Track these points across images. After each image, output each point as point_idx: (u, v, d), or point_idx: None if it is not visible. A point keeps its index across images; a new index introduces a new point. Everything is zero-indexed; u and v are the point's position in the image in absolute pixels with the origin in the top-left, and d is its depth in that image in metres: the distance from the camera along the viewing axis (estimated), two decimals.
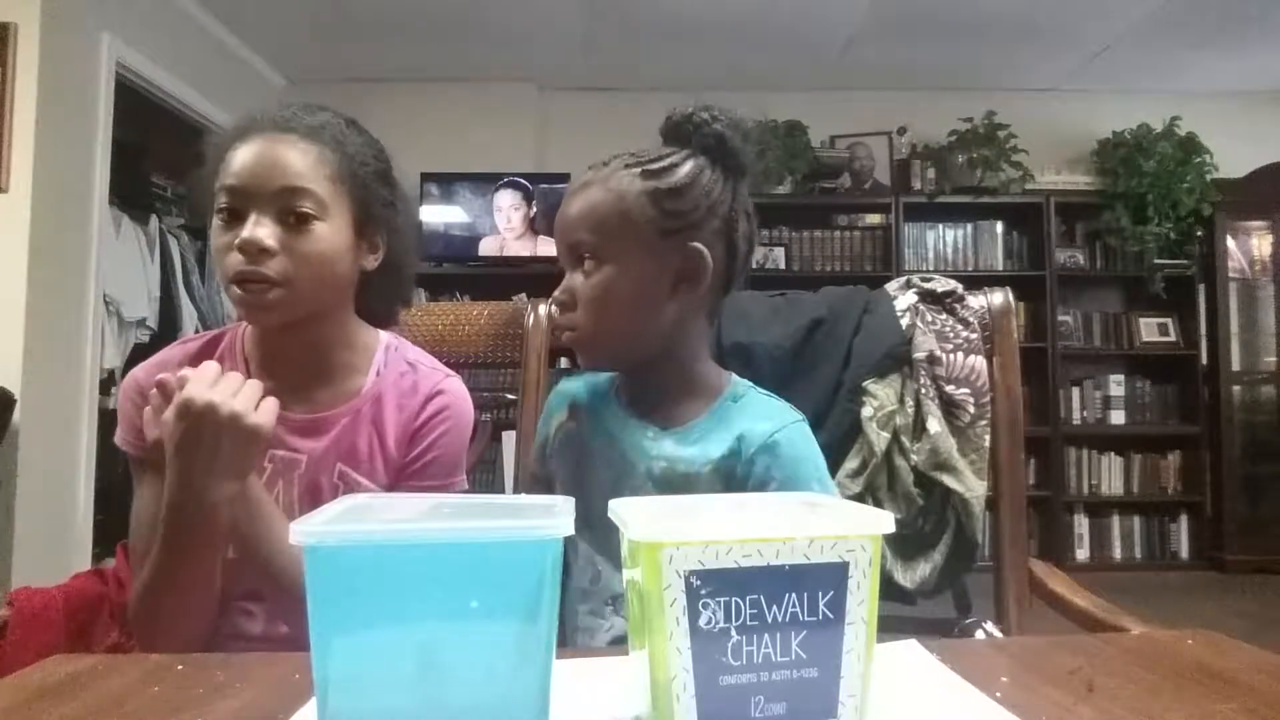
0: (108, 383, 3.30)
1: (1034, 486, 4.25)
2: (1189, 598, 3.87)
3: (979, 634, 1.09)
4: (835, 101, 4.66)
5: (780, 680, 0.44)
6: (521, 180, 4.44)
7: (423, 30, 4.08)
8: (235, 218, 0.85)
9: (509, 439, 1.62)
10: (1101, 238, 4.48)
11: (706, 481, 0.82)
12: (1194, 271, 4.40)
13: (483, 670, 0.44)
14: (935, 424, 1.17)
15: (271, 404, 0.79)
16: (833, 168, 4.56)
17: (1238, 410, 4.38)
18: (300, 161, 0.86)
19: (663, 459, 0.84)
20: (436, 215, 4.44)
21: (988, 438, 1.19)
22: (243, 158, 0.86)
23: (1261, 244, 4.49)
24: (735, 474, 0.82)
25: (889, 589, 1.15)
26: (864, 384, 1.19)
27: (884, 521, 0.46)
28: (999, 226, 4.57)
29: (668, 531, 0.43)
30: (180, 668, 0.57)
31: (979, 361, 1.20)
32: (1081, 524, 4.45)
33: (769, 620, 0.44)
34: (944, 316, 1.23)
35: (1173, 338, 4.53)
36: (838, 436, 1.18)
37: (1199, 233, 4.37)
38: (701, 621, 0.43)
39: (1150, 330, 4.53)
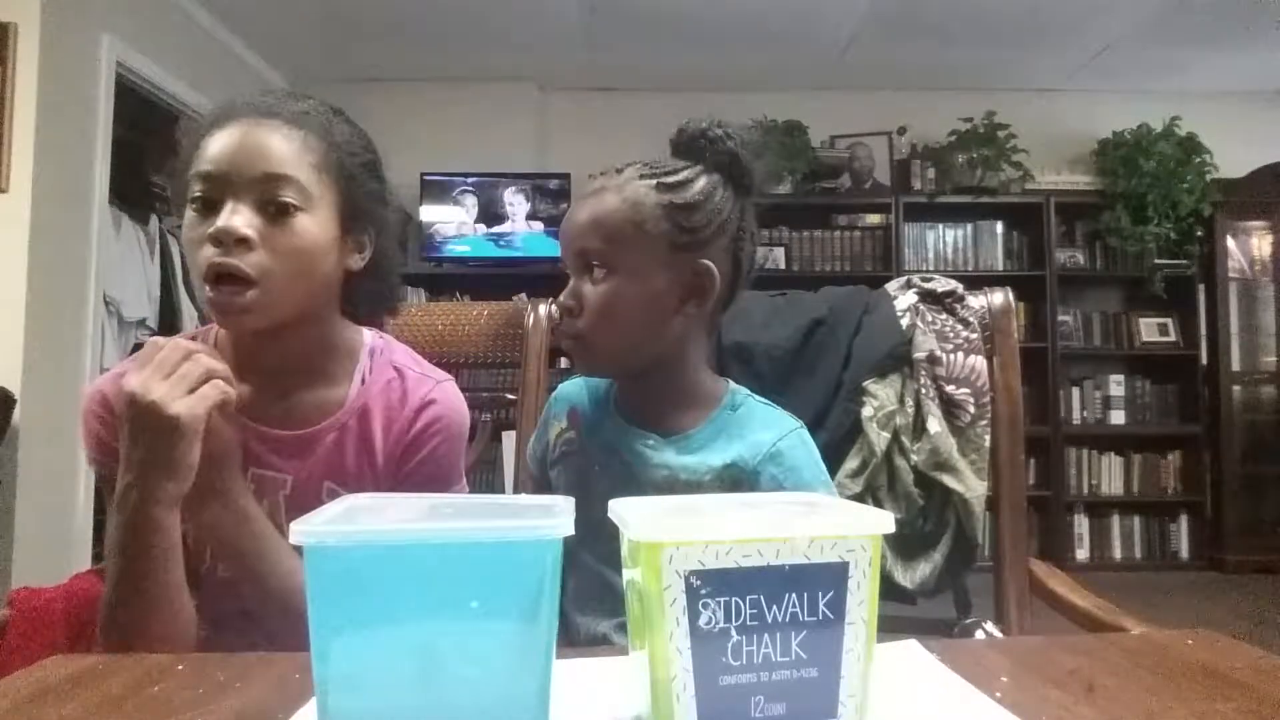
0: None
1: (1034, 486, 4.25)
2: (1189, 598, 3.87)
3: (979, 634, 1.09)
4: (835, 101, 4.66)
5: (780, 680, 0.44)
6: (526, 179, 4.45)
7: (423, 30, 4.08)
8: (210, 208, 0.78)
9: (509, 439, 1.62)
10: (1101, 238, 4.47)
11: (709, 490, 0.82)
12: (1194, 271, 4.40)
13: (483, 670, 0.44)
14: (935, 424, 1.17)
15: (205, 392, 0.73)
16: (833, 168, 4.56)
17: (1238, 410, 4.37)
18: (283, 147, 0.80)
19: (664, 468, 0.85)
20: (436, 215, 4.44)
21: (988, 438, 1.19)
22: (220, 143, 0.79)
23: (1261, 244, 4.49)
24: (739, 484, 0.83)
25: (889, 589, 1.15)
26: (864, 384, 1.19)
27: (884, 521, 0.46)
28: (999, 226, 4.57)
29: (668, 531, 0.43)
30: (180, 668, 0.57)
31: (979, 361, 1.20)
32: (1081, 524, 4.45)
33: (769, 620, 0.44)
34: (944, 316, 1.23)
35: (1173, 338, 4.52)
36: (838, 436, 1.18)
37: (1199, 233, 4.37)
38: (701, 621, 0.43)
39: (1150, 330, 4.53)
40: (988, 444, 1.19)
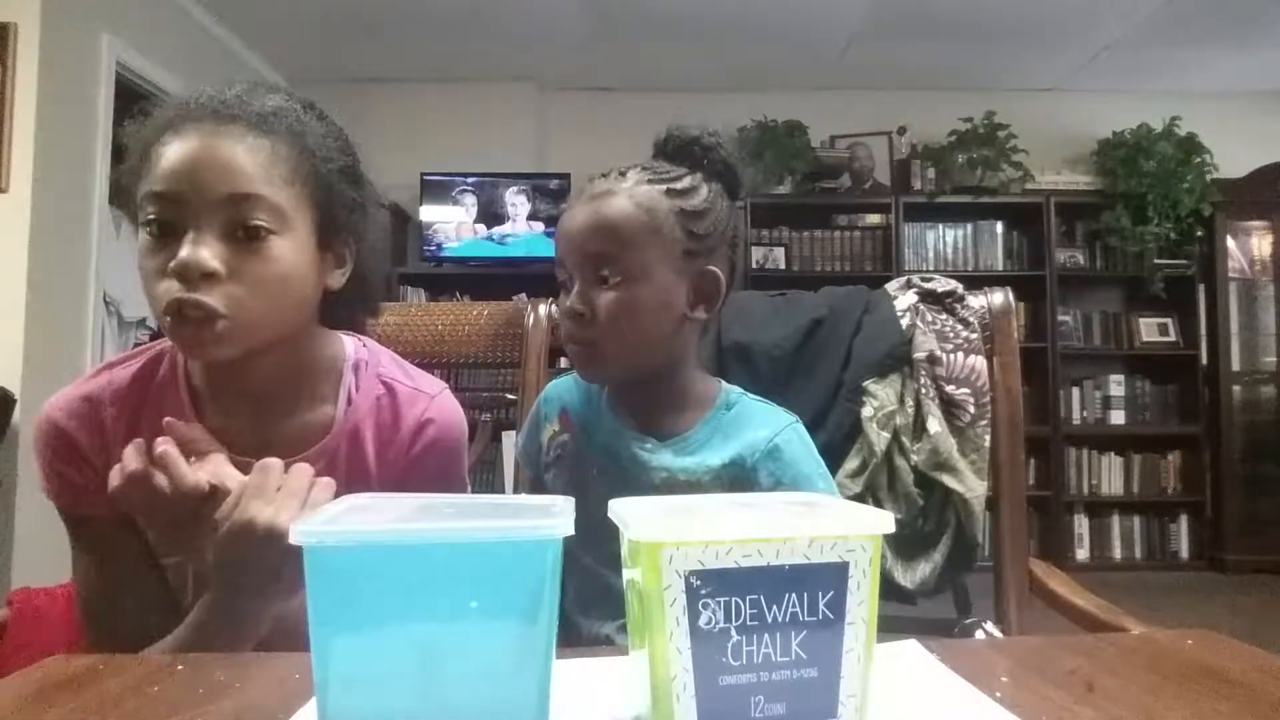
0: None
1: (1034, 486, 4.25)
2: (1189, 598, 3.87)
3: (979, 634, 1.09)
4: (835, 101, 4.66)
5: (780, 680, 0.44)
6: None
7: (423, 30, 4.08)
8: (168, 233, 0.69)
9: (509, 439, 1.62)
10: (1101, 238, 4.47)
11: (707, 491, 0.82)
12: (1194, 271, 4.40)
13: (483, 670, 0.44)
14: (935, 424, 1.17)
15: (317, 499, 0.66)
16: (833, 168, 4.56)
17: (1238, 410, 4.37)
18: (249, 161, 0.69)
19: (663, 470, 0.85)
20: (436, 215, 4.44)
21: (988, 438, 1.19)
22: (175, 155, 0.68)
23: (1261, 244, 4.49)
24: (738, 483, 0.83)
25: (889, 589, 1.15)
26: (864, 384, 1.19)
27: (884, 521, 0.46)
28: (999, 226, 4.57)
29: (668, 531, 0.43)
30: (180, 668, 0.57)
31: (979, 361, 1.20)
32: (1081, 524, 4.45)
33: (769, 620, 0.44)
34: (944, 316, 1.23)
35: (1173, 338, 4.52)
36: (838, 436, 1.18)
37: (1199, 233, 4.37)
38: (701, 621, 0.43)
39: (1150, 330, 4.53)
40: (988, 444, 1.19)
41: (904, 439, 1.18)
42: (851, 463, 1.18)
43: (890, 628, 0.59)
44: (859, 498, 1.15)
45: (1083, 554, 4.42)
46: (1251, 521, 4.28)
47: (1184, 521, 4.45)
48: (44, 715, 0.49)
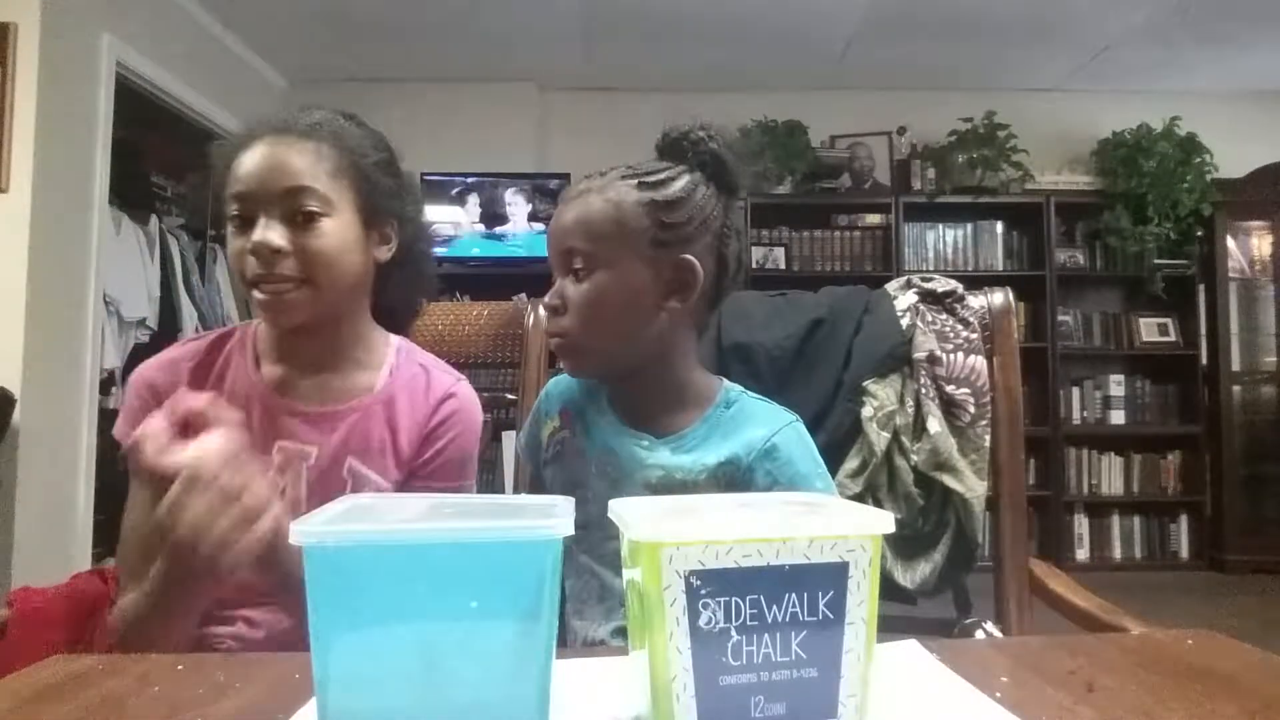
0: (108, 383, 3.30)
1: (1034, 486, 4.25)
2: (1189, 598, 3.87)
3: (979, 634, 1.09)
4: (835, 101, 4.66)
5: (780, 680, 0.44)
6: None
7: (423, 30, 4.08)
8: (246, 223, 0.88)
9: (509, 439, 1.62)
10: (1101, 238, 4.47)
11: (704, 490, 0.82)
12: (1194, 271, 4.40)
13: (483, 670, 0.44)
14: (935, 424, 1.17)
15: (261, 533, 0.72)
16: (833, 168, 4.56)
17: (1238, 410, 4.37)
18: (300, 161, 0.88)
19: (659, 468, 0.84)
20: (436, 215, 4.44)
21: (988, 438, 1.19)
22: (247, 164, 0.88)
23: (1261, 244, 4.48)
24: (735, 482, 0.83)
25: (889, 589, 1.15)
26: (864, 384, 1.19)
27: (884, 521, 0.46)
28: (999, 226, 4.57)
29: (668, 531, 0.43)
30: (180, 668, 0.57)
31: (979, 361, 1.20)
32: (1081, 524, 4.45)
33: (769, 620, 0.44)
34: (944, 316, 1.23)
35: (1173, 338, 4.52)
36: (838, 436, 1.18)
37: (1199, 233, 4.37)
38: (701, 621, 0.43)
39: (1150, 330, 4.53)
40: (988, 444, 1.19)
41: (904, 439, 1.18)
42: (851, 463, 1.18)
43: (890, 628, 0.59)
44: (859, 498, 1.14)
45: (1083, 554, 4.42)
46: (1251, 521, 4.28)
47: (1184, 521, 4.45)
48: (44, 715, 0.49)
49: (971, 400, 1.19)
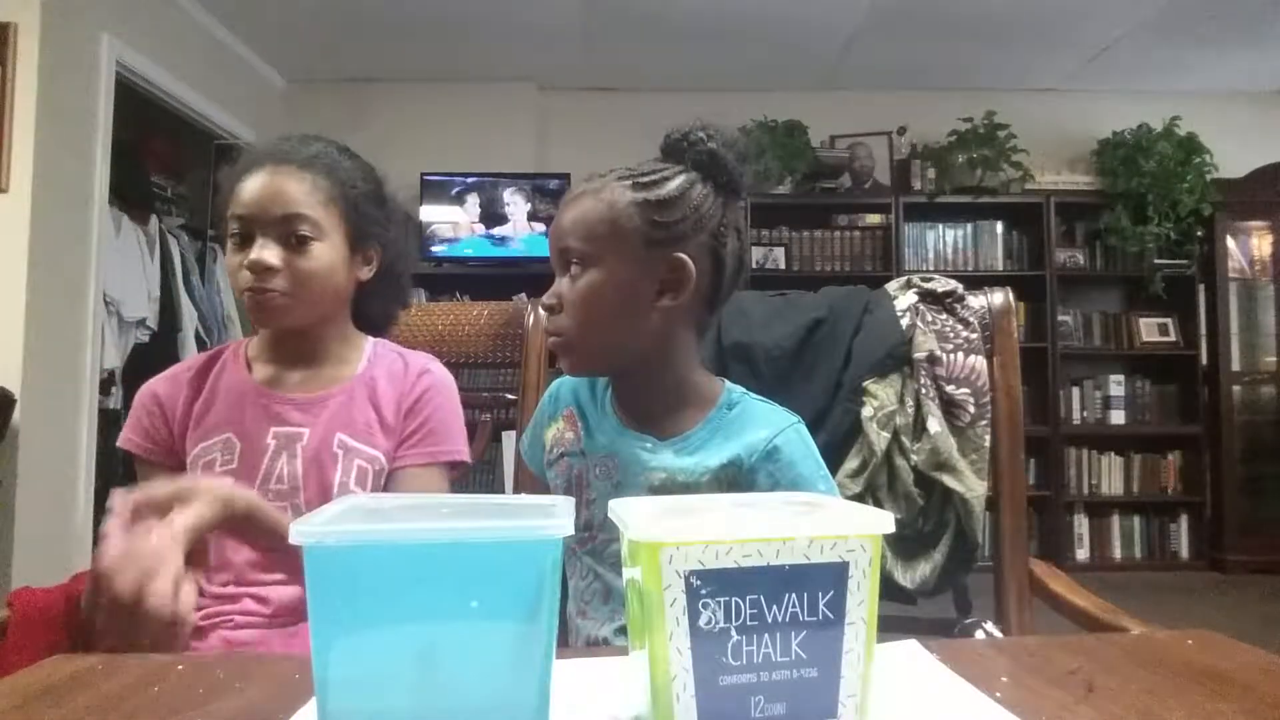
0: (108, 383, 3.30)
1: (1034, 486, 4.25)
2: (1189, 598, 3.87)
3: (979, 634, 1.09)
4: (835, 101, 4.66)
5: (780, 680, 0.44)
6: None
7: (422, 30, 4.08)
8: (245, 240, 0.99)
9: (509, 439, 1.62)
10: (1101, 238, 4.47)
11: (705, 491, 0.82)
12: (1194, 271, 4.40)
13: (483, 670, 0.44)
14: (935, 424, 1.17)
15: (184, 610, 0.72)
16: (833, 168, 4.56)
17: (1238, 410, 4.37)
18: (297, 190, 0.99)
19: (661, 470, 0.85)
20: (436, 215, 4.44)
21: (988, 438, 1.19)
22: (249, 189, 0.99)
23: (1261, 244, 4.48)
24: (737, 483, 0.83)
25: (889, 589, 1.15)
26: (864, 384, 1.19)
27: (884, 521, 0.46)
28: (999, 226, 4.56)
29: (668, 531, 0.43)
30: (180, 668, 0.57)
31: (979, 361, 1.20)
32: (1081, 524, 4.45)
33: (769, 620, 0.44)
34: (944, 316, 1.23)
35: (1173, 338, 4.52)
36: (838, 436, 1.18)
37: (1199, 233, 4.37)
38: (701, 621, 0.43)
39: (1150, 330, 4.53)
40: (988, 444, 1.19)
41: (904, 439, 1.18)
42: (851, 463, 1.18)
43: (890, 628, 0.59)
44: (859, 498, 1.14)
45: (1083, 554, 4.42)
46: (1251, 521, 4.28)
47: (1184, 521, 4.45)
48: (44, 715, 0.49)
49: (971, 400, 1.19)
